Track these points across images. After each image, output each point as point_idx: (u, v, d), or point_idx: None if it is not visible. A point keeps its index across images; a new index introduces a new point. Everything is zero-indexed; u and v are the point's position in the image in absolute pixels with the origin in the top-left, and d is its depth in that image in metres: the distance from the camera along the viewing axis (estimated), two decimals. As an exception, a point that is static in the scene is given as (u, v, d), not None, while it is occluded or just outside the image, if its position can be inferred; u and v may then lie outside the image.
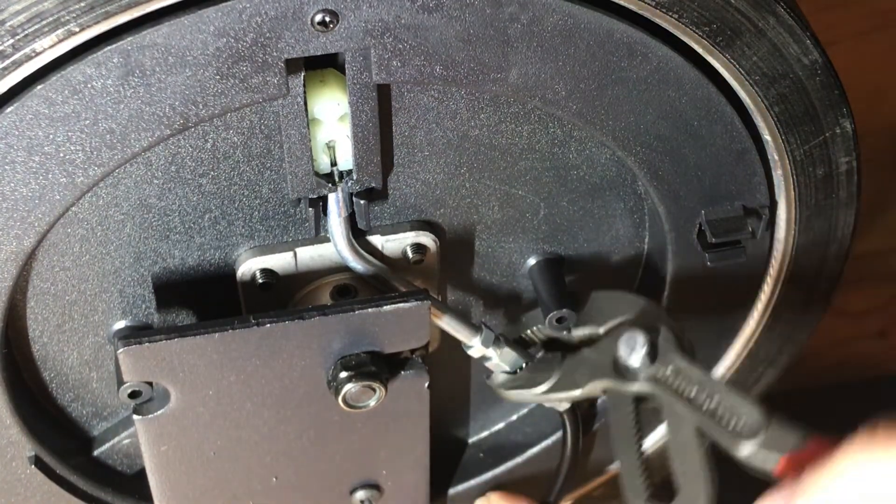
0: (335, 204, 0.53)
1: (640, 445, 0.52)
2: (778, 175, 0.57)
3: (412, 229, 0.56)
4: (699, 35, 0.50)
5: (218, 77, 0.47)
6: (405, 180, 0.55)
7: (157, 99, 0.46)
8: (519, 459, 0.68)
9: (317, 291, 0.57)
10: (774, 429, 0.47)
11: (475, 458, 0.69)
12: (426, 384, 0.55)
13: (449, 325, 0.54)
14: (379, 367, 0.53)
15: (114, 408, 0.60)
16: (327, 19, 0.46)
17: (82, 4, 0.43)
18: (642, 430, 0.53)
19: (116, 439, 0.60)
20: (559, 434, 0.62)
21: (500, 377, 0.57)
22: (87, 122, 0.46)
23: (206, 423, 0.54)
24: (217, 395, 0.53)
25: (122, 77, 0.45)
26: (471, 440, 0.70)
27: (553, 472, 0.63)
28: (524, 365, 0.56)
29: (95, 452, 0.60)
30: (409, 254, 0.56)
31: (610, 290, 0.57)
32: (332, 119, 0.51)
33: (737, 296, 0.63)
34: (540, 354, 0.57)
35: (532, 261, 0.60)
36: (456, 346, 0.56)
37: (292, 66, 0.48)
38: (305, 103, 0.49)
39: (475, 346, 0.55)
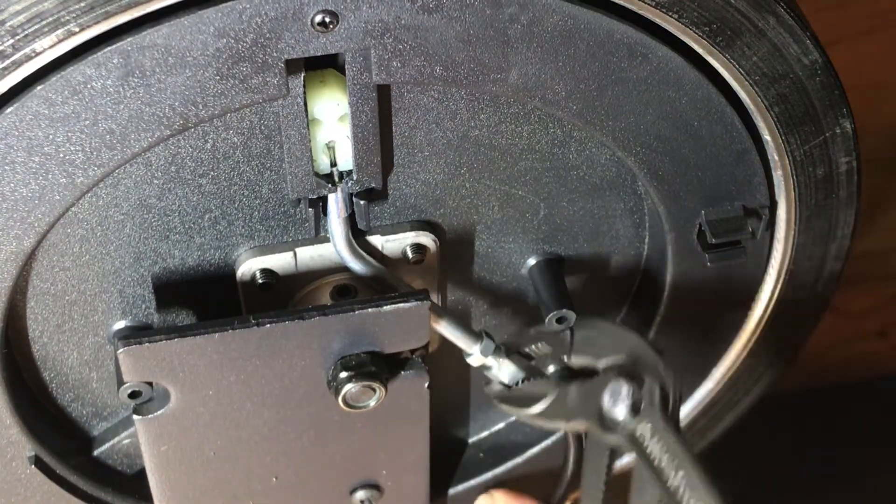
0: (335, 204, 0.53)
1: (606, 497, 0.52)
2: (778, 175, 0.57)
3: (412, 229, 0.56)
4: (699, 35, 0.50)
5: (218, 77, 0.47)
6: (405, 180, 0.55)
7: (156, 99, 0.46)
8: (519, 459, 0.68)
9: (317, 291, 0.57)
10: None
11: (475, 458, 0.69)
12: (426, 384, 0.55)
13: (448, 331, 0.54)
14: (379, 367, 0.53)
15: (114, 408, 0.60)
16: (327, 20, 0.46)
17: (82, 4, 0.43)
18: (610, 481, 0.52)
19: (116, 439, 0.60)
20: (559, 434, 0.62)
21: (496, 387, 0.56)
22: (87, 122, 0.46)
23: (206, 423, 0.54)
24: (217, 395, 0.53)
25: (121, 77, 0.45)
26: (471, 440, 0.70)
27: (553, 473, 0.62)
28: (521, 381, 0.55)
29: (95, 452, 0.60)
30: (409, 254, 0.56)
31: (613, 323, 0.57)
32: (332, 119, 0.51)
33: (736, 296, 0.63)
34: (538, 376, 0.55)
35: (532, 261, 0.60)
36: (456, 347, 0.56)
37: (292, 66, 0.47)
38: (305, 104, 0.49)
39: (475, 355, 0.55)
